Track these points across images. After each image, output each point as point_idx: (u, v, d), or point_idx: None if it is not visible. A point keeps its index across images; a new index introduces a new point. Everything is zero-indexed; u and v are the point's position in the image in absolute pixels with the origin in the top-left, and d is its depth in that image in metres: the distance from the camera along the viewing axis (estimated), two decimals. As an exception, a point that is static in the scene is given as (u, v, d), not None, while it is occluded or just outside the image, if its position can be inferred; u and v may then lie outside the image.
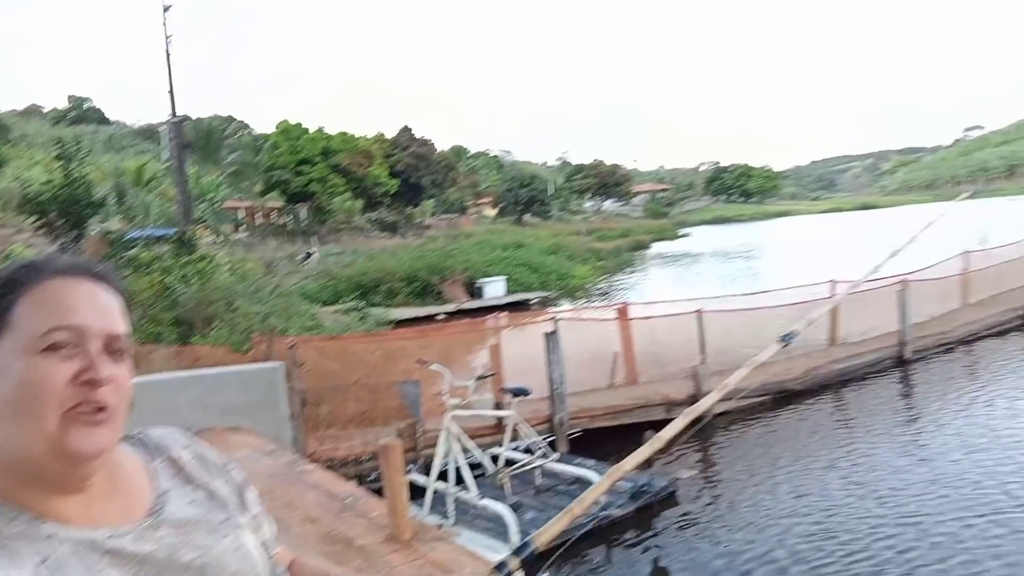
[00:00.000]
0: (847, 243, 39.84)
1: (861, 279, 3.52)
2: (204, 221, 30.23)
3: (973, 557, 5.36)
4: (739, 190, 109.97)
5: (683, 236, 62.06)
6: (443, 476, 6.35)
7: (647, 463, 7.39)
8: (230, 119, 55.25)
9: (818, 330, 11.43)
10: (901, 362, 11.39)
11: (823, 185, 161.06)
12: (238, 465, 0.98)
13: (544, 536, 2.08)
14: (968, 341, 12.44)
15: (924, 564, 5.35)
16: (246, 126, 54.96)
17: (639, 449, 2.44)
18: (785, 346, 2.38)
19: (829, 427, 9.18)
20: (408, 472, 6.86)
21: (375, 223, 49.93)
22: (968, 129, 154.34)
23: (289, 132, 45.70)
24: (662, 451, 5.85)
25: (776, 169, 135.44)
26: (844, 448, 8.04)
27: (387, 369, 8.09)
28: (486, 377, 7.48)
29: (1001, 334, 12.89)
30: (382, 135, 53.32)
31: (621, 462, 2.53)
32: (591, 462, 7.32)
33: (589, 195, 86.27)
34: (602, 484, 2.41)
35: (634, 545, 6.18)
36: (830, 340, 11.65)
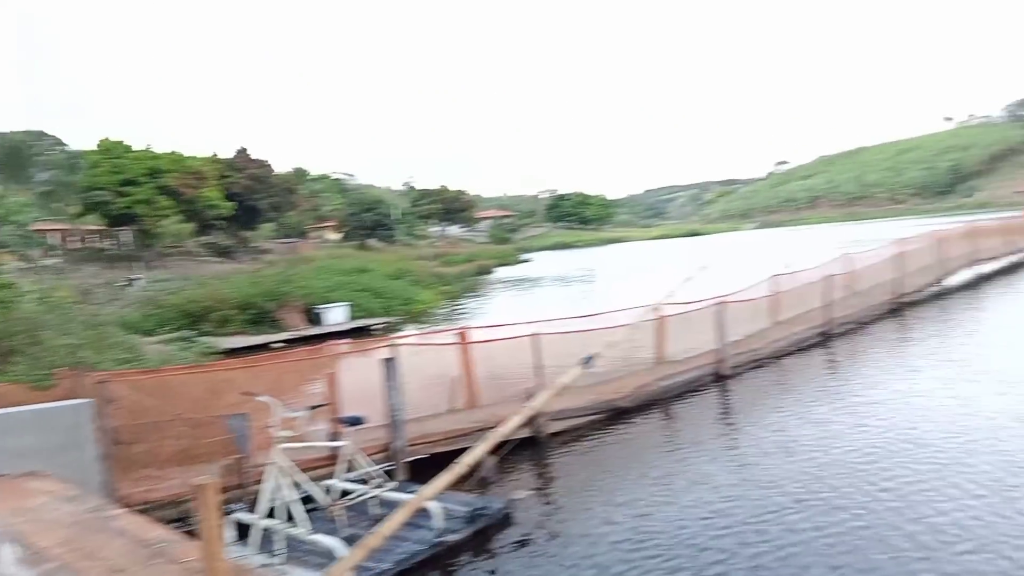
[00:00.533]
0: (671, 266, 42.57)
1: (646, 307, 3.76)
2: (7, 246, 27.26)
3: (787, 552, 5.84)
4: (577, 217, 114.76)
5: (524, 261, 63.64)
6: (274, 513, 6.06)
7: (481, 486, 7.47)
8: (40, 134, 50.41)
9: (645, 349, 12.09)
10: (720, 377, 12.26)
11: (654, 213, 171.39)
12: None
13: (337, 572, 2.03)
14: (777, 357, 13.62)
15: (740, 558, 5.75)
16: (61, 142, 50.37)
17: (440, 476, 2.45)
18: (587, 368, 2.48)
19: (658, 441, 9.68)
20: (234, 511, 6.49)
21: (208, 247, 47.32)
22: (778, 163, 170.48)
23: (111, 150, 42.39)
24: (467, 477, 5.99)
25: (612, 197, 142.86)
26: (673, 459, 8.50)
27: (212, 403, 7.63)
28: (319, 407, 7.25)
29: (803, 350, 14.23)
30: (216, 155, 50.82)
31: (420, 491, 2.53)
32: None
33: (435, 220, 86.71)
34: (399, 516, 2.40)
35: (472, 569, 6.18)
36: (657, 358, 12.33)
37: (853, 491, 6.98)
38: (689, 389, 11.69)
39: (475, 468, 6.22)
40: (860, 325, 16.32)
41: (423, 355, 10.41)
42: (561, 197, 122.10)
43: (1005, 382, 10.50)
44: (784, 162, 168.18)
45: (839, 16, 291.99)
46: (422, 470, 8.14)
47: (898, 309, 18.04)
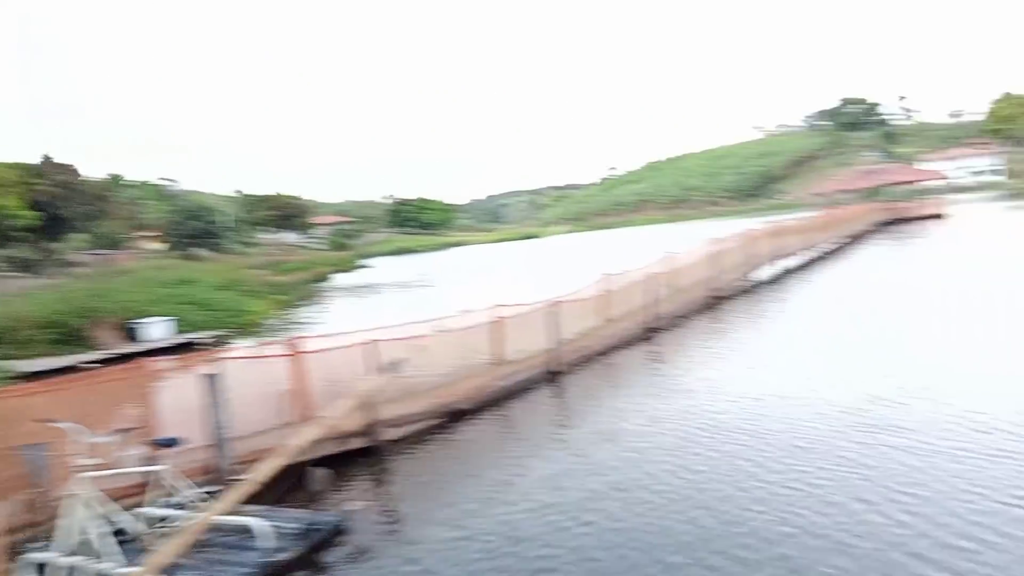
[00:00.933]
0: (510, 269, 43.53)
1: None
2: None
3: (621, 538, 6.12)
4: (419, 222, 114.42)
5: (364, 267, 62.54)
6: (80, 549, 5.54)
7: (314, 499, 7.25)
8: None
9: (483, 351, 12.25)
10: (555, 375, 12.68)
11: (494, 217, 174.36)
12: None
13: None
14: (607, 352, 14.29)
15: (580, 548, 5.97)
16: None
17: (228, 493, 2.35)
18: (393, 374, 2.47)
19: (496, 441, 9.84)
20: (31, 551, 5.88)
21: (8, 261, 42.64)
22: (610, 169, 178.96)
23: None
24: (295, 491, 5.78)
25: (456, 203, 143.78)
26: (510, 458, 8.66)
27: (4, 433, 6.84)
28: (130, 430, 6.72)
29: (631, 345, 15.04)
30: (19, 163, 45.83)
31: (203, 513, 2.41)
32: (259, 508, 6.94)
33: (270, 227, 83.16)
34: (181, 540, 2.27)
35: (305, 587, 5.98)
36: (495, 359, 12.53)
37: (666, 475, 7.46)
38: (526, 388, 12.00)
39: (300, 481, 6.04)
40: (681, 319, 17.49)
41: (252, 368, 9.93)
42: (403, 202, 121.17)
43: (804, 369, 11.65)
44: (615, 168, 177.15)
45: (666, 34, 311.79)
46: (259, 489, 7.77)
47: (714, 303, 19.50)
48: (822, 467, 7.22)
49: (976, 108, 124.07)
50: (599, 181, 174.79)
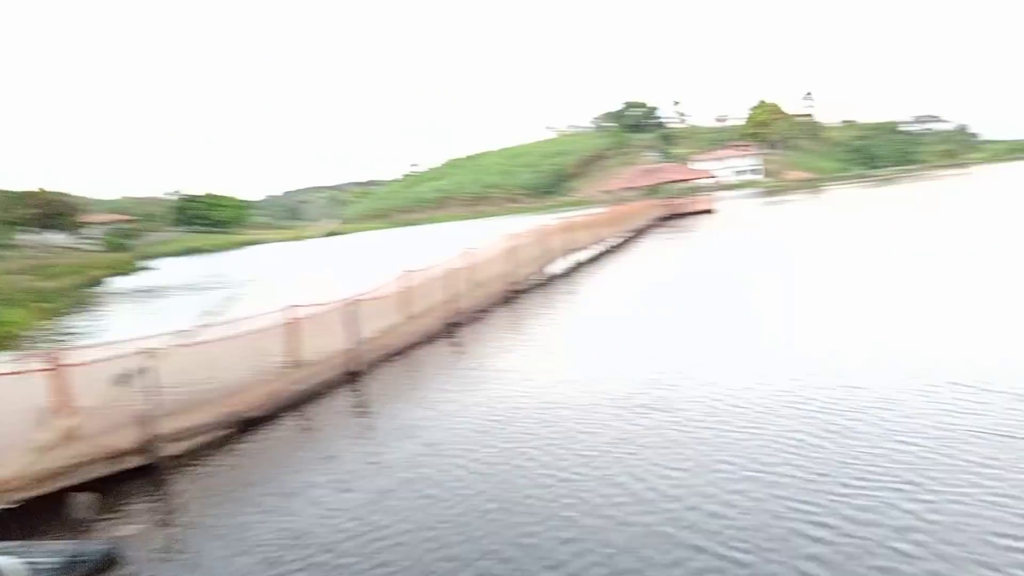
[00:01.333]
0: (310, 268, 42.17)
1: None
2: None
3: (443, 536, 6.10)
4: (208, 220, 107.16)
5: (146, 269, 57.62)
6: None
7: (78, 529, 6.55)
8: None
9: (276, 354, 11.72)
10: (355, 375, 12.43)
11: (294, 214, 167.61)
12: None
13: None
14: (408, 349, 14.26)
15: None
16: None
17: None
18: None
19: (291, 449, 9.44)
20: None
21: None
22: (412, 166, 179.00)
23: None
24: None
25: (249, 199, 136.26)
26: (306, 466, 8.36)
27: None
28: None
29: (431, 341, 15.13)
30: None
31: None
32: (9, 544, 6.12)
33: (33, 227, 73.85)
34: None
35: (68, 627, 5.37)
36: (291, 362, 12.04)
37: (459, 469, 7.59)
38: (324, 390, 11.65)
39: (62, 508, 5.42)
40: (481, 313, 17.89)
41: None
42: (191, 198, 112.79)
43: (593, 356, 12.37)
44: (416, 165, 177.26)
45: (462, 32, 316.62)
46: (8, 522, 6.87)
47: (512, 297, 20.15)
48: (606, 451, 7.64)
49: (738, 113, 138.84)
50: (401, 177, 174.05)
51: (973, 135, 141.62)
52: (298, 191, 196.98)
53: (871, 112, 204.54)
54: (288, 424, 10.30)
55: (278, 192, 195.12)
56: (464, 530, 6.15)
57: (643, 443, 7.77)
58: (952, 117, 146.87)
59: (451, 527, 6.23)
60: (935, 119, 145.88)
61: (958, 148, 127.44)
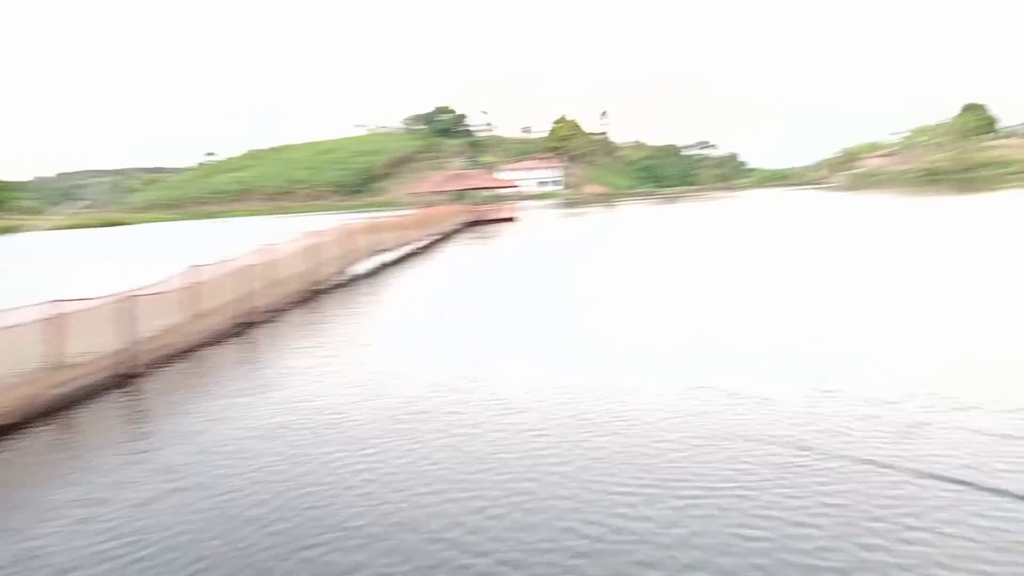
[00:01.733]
0: (85, 259, 38.24)
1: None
2: None
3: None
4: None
5: None
6: None
7: None
8: None
9: (35, 353, 10.51)
10: (130, 377, 11.45)
11: (68, 198, 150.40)
12: None
13: None
14: (193, 350, 13.37)
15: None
16: None
17: None
18: None
19: (51, 460, 8.48)
20: None
21: None
22: (207, 154, 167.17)
23: None
24: None
25: (16, 179, 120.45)
26: (55, 477, 7.55)
27: None
28: None
29: (224, 340, 14.32)
30: None
31: None
32: None
33: None
34: None
35: None
36: (51, 363, 10.84)
37: (233, 477, 7.26)
38: (93, 394, 10.61)
39: None
40: (278, 312, 17.20)
41: None
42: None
43: (388, 359, 12.36)
44: (212, 153, 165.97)
45: (260, 21, 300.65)
46: None
47: (312, 296, 19.59)
48: (387, 460, 7.46)
49: (542, 127, 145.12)
50: (196, 166, 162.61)
51: (742, 163, 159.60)
52: (74, 173, 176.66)
53: (656, 135, 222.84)
54: (44, 433, 9.24)
55: (50, 174, 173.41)
56: (236, 544, 5.79)
57: (415, 448, 7.68)
58: (723, 145, 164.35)
59: (219, 539, 5.87)
60: (710, 145, 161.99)
61: (730, 172, 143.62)
